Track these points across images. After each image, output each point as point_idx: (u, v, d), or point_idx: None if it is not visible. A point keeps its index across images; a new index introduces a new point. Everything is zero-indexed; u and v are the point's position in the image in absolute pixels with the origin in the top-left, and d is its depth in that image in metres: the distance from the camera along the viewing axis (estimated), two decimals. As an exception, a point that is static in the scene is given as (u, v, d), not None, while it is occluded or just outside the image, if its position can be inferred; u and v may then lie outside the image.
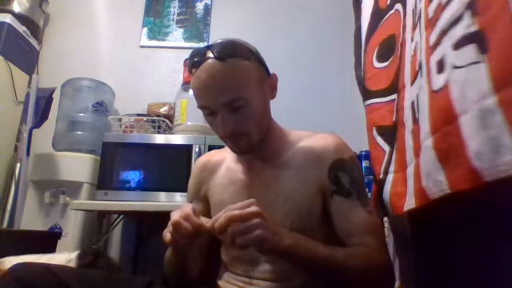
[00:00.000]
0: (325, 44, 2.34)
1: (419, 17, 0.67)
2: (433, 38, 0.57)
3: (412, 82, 0.71)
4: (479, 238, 0.64)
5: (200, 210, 0.92)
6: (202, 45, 2.34)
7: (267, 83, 0.83)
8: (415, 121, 0.68)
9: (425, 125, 0.59)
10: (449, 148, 0.50)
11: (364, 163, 1.75)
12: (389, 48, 0.97)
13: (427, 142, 0.57)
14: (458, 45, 0.49)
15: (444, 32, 0.53)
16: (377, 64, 1.04)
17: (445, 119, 0.51)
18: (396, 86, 0.88)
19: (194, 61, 0.77)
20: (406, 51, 0.82)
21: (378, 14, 1.07)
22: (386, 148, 0.91)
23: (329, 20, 2.38)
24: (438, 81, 0.54)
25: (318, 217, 0.80)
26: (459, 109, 0.48)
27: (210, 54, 0.75)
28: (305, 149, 0.84)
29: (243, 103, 0.75)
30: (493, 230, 0.60)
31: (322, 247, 0.69)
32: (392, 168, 0.85)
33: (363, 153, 1.76)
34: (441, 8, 0.55)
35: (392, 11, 0.99)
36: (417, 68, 0.67)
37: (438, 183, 0.53)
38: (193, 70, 0.78)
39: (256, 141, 0.81)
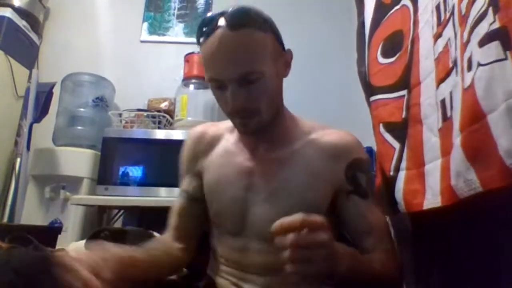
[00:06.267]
0: (326, 40, 2.33)
1: (452, 13, 0.66)
2: (465, 35, 0.56)
3: (443, 80, 0.69)
4: (480, 235, 0.63)
5: (196, 186, 0.88)
6: (203, 40, 2.33)
7: (282, 59, 0.77)
8: (446, 118, 0.66)
9: (456, 123, 0.58)
10: (478, 146, 0.50)
11: (365, 160, 1.74)
12: (396, 44, 0.95)
13: (457, 140, 0.57)
14: (482, 42, 0.48)
15: (472, 29, 0.52)
16: (382, 60, 1.02)
17: (473, 117, 0.51)
18: (406, 83, 0.87)
19: (204, 30, 0.70)
20: (421, 48, 0.81)
21: (381, 9, 1.06)
22: (396, 145, 0.90)
23: (330, 16, 2.36)
24: (467, 79, 0.53)
25: (323, 215, 0.77)
26: (485, 107, 0.47)
27: (223, 22, 0.68)
28: (320, 143, 0.79)
29: (255, 77, 0.69)
30: (494, 227, 0.60)
31: (366, 260, 0.68)
32: (403, 165, 0.83)
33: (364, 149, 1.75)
34: (470, 4, 0.54)
35: (398, 6, 0.97)
36: (450, 65, 0.66)
37: (468, 182, 0.52)
38: (202, 39, 0.71)
39: (267, 121, 0.75)
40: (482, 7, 0.49)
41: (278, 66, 0.76)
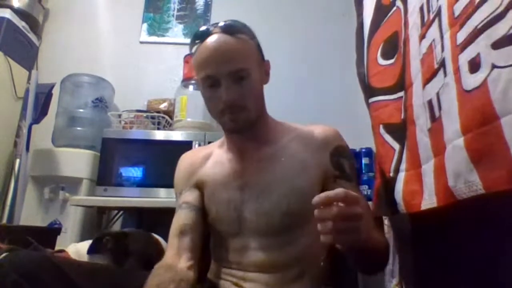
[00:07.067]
0: (325, 42, 2.32)
1: (438, 14, 0.66)
2: (461, 36, 0.56)
3: (428, 80, 0.69)
4: (479, 235, 0.63)
5: (196, 197, 0.88)
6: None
7: (263, 66, 0.87)
8: (434, 119, 0.66)
9: (453, 124, 0.58)
10: (485, 148, 0.49)
11: (364, 160, 1.74)
12: (394, 45, 0.96)
13: (458, 141, 0.56)
14: (499, 45, 0.48)
15: (479, 31, 0.52)
16: (382, 61, 1.03)
17: (481, 119, 0.50)
18: (402, 84, 0.87)
19: (199, 37, 0.81)
20: (411, 49, 0.81)
21: (381, 10, 1.06)
22: (396, 146, 0.90)
23: (329, 17, 2.36)
24: (471, 80, 0.53)
25: None
26: (500, 110, 0.47)
27: (218, 30, 0.79)
28: (303, 137, 0.88)
29: (246, 74, 0.79)
30: (494, 227, 0.60)
31: (375, 233, 0.71)
32: (403, 166, 0.84)
33: (363, 150, 1.76)
34: (473, 6, 0.54)
35: (394, 8, 0.98)
36: (435, 66, 0.66)
37: (470, 184, 0.52)
38: (196, 46, 0.82)
39: (253, 119, 0.82)
40: (496, 9, 0.48)
41: (261, 72, 0.86)
